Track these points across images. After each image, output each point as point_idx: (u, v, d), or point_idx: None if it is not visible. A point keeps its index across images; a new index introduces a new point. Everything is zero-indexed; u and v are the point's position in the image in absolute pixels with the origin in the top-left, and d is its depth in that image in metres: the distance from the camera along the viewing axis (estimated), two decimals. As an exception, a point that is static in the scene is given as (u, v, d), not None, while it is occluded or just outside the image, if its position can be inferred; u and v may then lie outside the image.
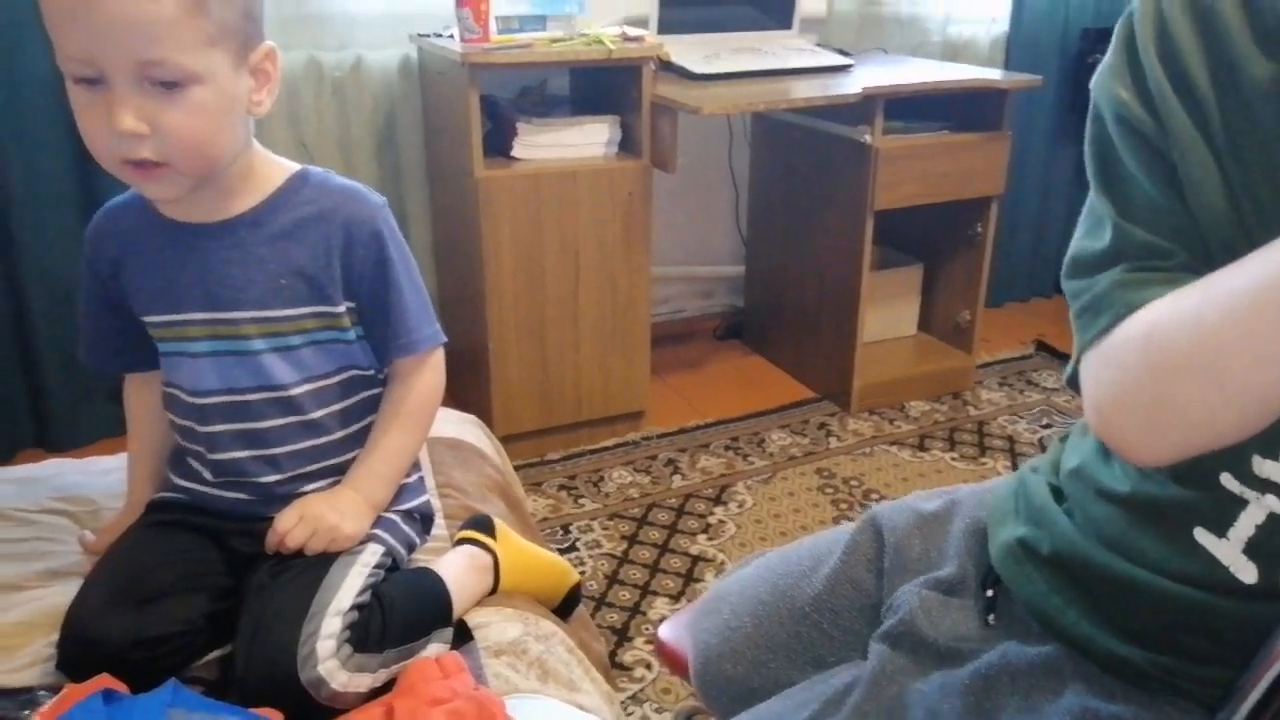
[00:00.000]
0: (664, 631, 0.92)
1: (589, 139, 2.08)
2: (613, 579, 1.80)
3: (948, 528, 0.83)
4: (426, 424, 1.01)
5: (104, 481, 1.14)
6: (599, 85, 2.18)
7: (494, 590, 1.01)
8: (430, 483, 1.21)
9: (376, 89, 2.20)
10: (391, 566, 0.96)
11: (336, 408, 0.96)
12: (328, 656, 0.82)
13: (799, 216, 2.50)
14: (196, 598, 0.90)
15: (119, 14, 0.75)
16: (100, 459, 1.22)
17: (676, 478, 2.13)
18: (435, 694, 0.76)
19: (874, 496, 2.07)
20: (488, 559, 1.01)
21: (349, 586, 0.87)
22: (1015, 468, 2.18)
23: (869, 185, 2.20)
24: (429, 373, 0.99)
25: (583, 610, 1.14)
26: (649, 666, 1.59)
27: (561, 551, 1.86)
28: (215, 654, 0.92)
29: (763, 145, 2.61)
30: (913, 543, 0.82)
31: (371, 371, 0.98)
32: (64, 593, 0.95)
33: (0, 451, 2.05)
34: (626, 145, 2.12)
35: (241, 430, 0.93)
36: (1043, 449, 2.26)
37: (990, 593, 0.76)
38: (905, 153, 2.21)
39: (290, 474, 0.95)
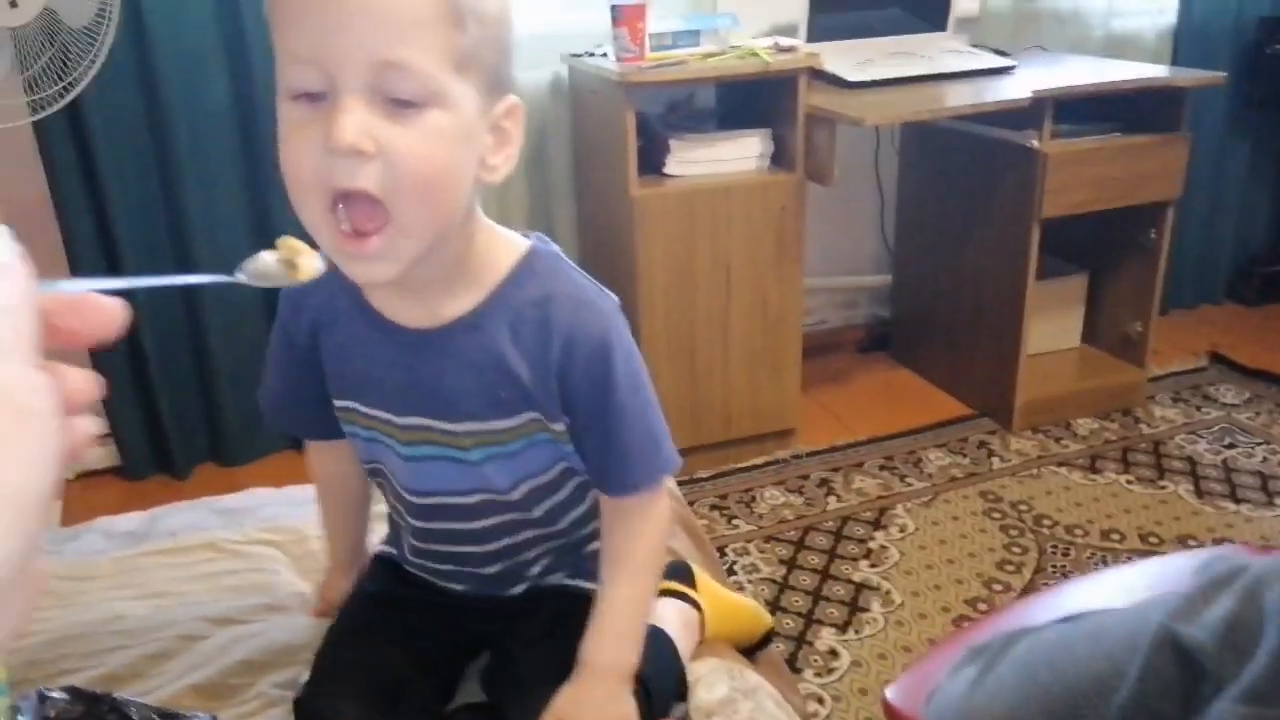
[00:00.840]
0: (893, 697, 0.86)
1: (742, 153, 2.04)
2: (774, 605, 1.76)
3: (1258, 621, 0.69)
4: (658, 569, 0.88)
5: (305, 512, 1.16)
6: (748, 97, 2.13)
7: (700, 641, 0.98)
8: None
9: (528, 109, 2.20)
10: None
11: (554, 500, 0.86)
12: None
13: (954, 224, 2.39)
14: (434, 683, 0.88)
15: (363, 2, 0.62)
16: (298, 489, 1.25)
17: (831, 499, 2.07)
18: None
19: (1046, 523, 1.96)
20: (695, 615, 0.98)
21: None
22: (1198, 493, 2.04)
23: (1036, 192, 2.08)
24: (649, 512, 0.83)
25: (776, 654, 1.10)
26: (821, 701, 1.54)
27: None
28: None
29: (913, 151, 2.51)
30: (1225, 656, 0.66)
31: (572, 480, 0.87)
32: (282, 628, 0.98)
33: (178, 467, 2.16)
34: (778, 158, 2.07)
35: (455, 530, 0.86)
36: (1227, 471, 2.10)
37: None
38: (1076, 157, 2.09)
39: (508, 563, 0.88)
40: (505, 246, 0.79)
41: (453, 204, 0.70)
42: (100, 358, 2.08)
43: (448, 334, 0.78)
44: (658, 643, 0.88)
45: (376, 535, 1.01)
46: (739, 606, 1.05)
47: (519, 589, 0.90)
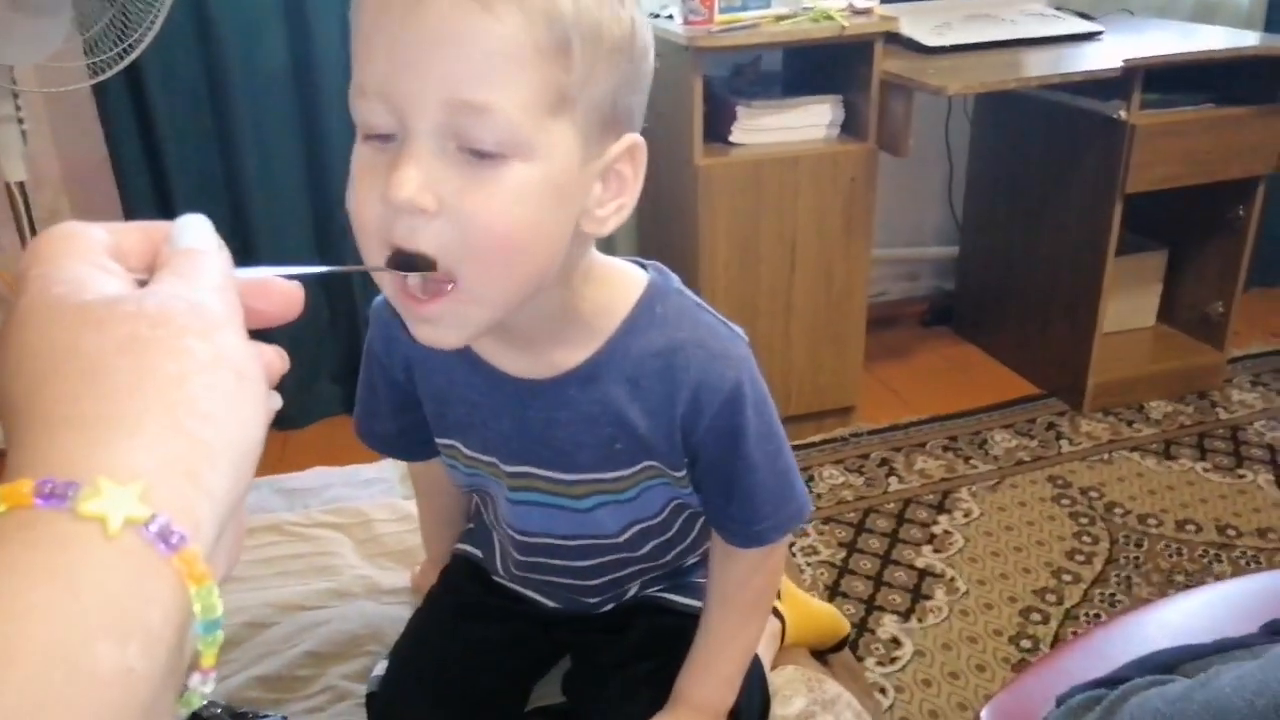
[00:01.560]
0: (990, 718, 0.82)
1: (811, 120, 1.97)
2: (834, 590, 1.72)
3: None
4: (768, 611, 0.84)
5: (369, 492, 1.14)
6: (817, 61, 2.05)
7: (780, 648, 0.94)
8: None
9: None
10: None
11: (660, 540, 0.81)
12: None
13: (1029, 196, 2.30)
14: (514, 693, 0.86)
15: (440, 29, 0.51)
16: (361, 468, 1.23)
17: (893, 480, 2.02)
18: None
19: (1118, 511, 1.89)
20: (777, 625, 0.95)
21: None
22: (1279, 482, 1.95)
23: (1121, 165, 1.98)
24: (766, 565, 0.78)
25: (849, 657, 1.06)
26: (883, 691, 1.50)
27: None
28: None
29: (988, 119, 2.41)
30: None
31: (679, 519, 0.81)
32: (347, 616, 0.96)
33: (236, 430, 2.16)
34: (849, 126, 1.99)
35: (556, 566, 0.81)
36: (1312, 462, 2.01)
37: None
38: (1165, 130, 1.98)
39: (608, 593, 0.85)
40: (621, 288, 0.70)
41: (536, 270, 0.59)
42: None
43: (560, 386, 0.70)
44: (752, 673, 0.84)
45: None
46: (819, 614, 1.02)
47: (611, 606, 0.87)
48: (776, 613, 0.95)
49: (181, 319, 0.32)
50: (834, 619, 1.03)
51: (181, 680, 0.31)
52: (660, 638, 0.83)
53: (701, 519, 0.81)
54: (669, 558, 0.84)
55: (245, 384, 0.33)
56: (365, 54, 0.54)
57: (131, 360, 0.30)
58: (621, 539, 0.78)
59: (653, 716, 0.78)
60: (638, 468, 0.73)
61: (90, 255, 0.34)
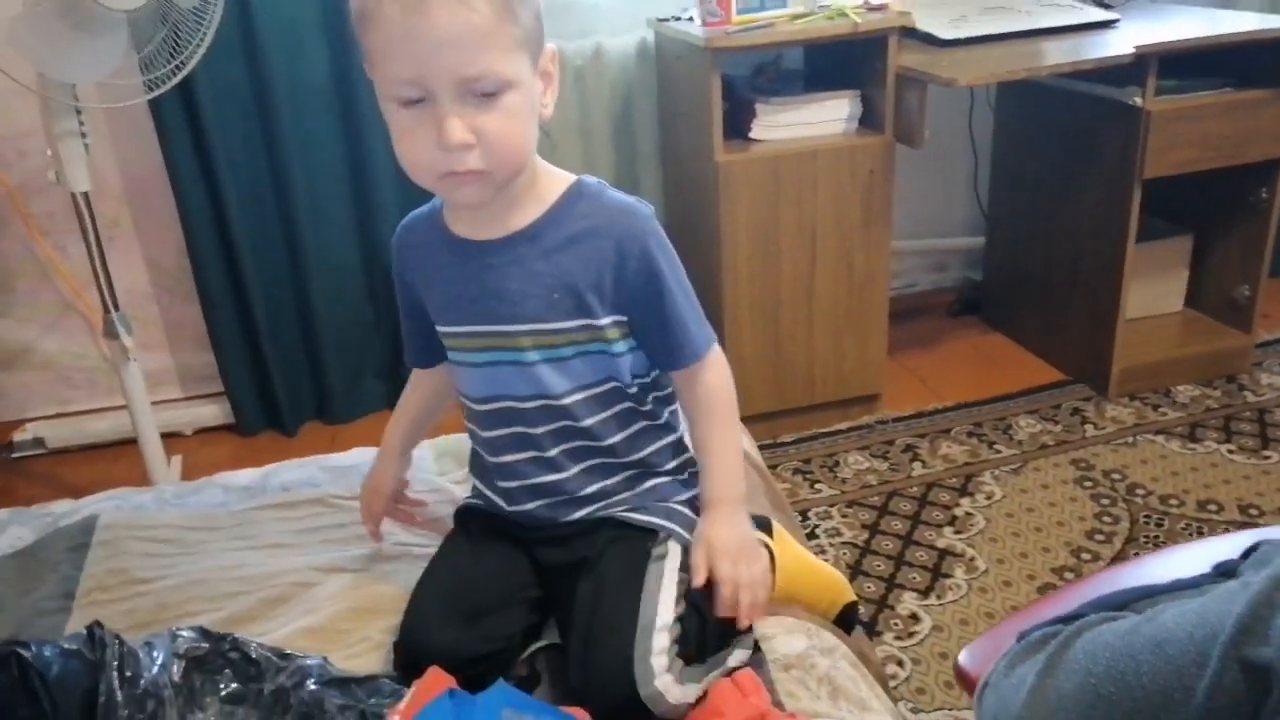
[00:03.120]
0: (966, 661, 0.88)
1: (829, 115, 2.03)
2: (856, 569, 1.77)
3: None
4: (734, 415, 1.01)
5: (406, 469, 1.22)
6: (837, 57, 2.10)
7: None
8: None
9: (615, 75, 2.23)
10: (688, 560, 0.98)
11: (601, 416, 0.97)
12: (662, 671, 0.86)
13: (1051, 185, 2.33)
14: (515, 611, 0.97)
15: (444, 32, 0.79)
16: (397, 449, 1.31)
17: (917, 465, 2.07)
18: (745, 714, 0.77)
19: (1139, 492, 1.92)
20: (765, 556, 1.01)
21: (666, 599, 0.91)
22: (1305, 463, 1.96)
23: (1138, 151, 2.01)
24: (714, 370, 0.99)
25: (863, 638, 1.11)
26: (900, 664, 1.56)
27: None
28: (528, 652, 0.98)
29: (1009, 110, 2.44)
30: None
31: (630, 387, 0.98)
32: (387, 578, 1.05)
33: (287, 424, 2.28)
34: (867, 120, 2.04)
35: (518, 434, 0.97)
36: (1340, 443, 2.02)
37: None
38: (1181, 115, 2.00)
39: (566, 474, 0.98)
40: (559, 176, 0.96)
41: (529, 151, 0.90)
42: (215, 323, 2.21)
43: (512, 243, 0.93)
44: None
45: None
46: (817, 567, 1.08)
47: (581, 513, 0.99)
48: (768, 548, 1.02)
49: None
50: (836, 581, 1.09)
51: None
52: (617, 542, 0.95)
53: (640, 419, 0.99)
54: (611, 441, 0.98)
55: None
56: (396, 57, 0.81)
57: None
58: (565, 401, 0.95)
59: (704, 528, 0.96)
60: (573, 324, 0.93)
61: None
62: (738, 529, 0.96)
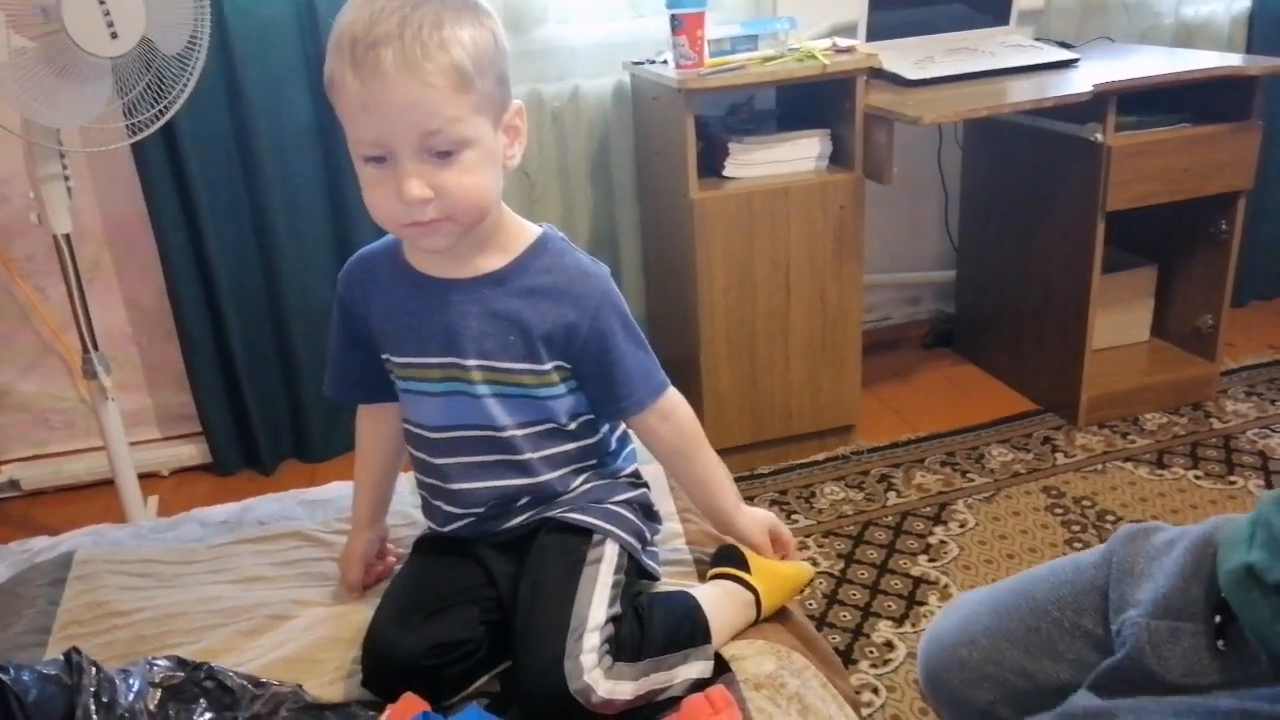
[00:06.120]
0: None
1: (800, 154, 2.08)
2: (831, 599, 1.79)
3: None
4: (703, 446, 1.10)
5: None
6: (808, 98, 2.16)
7: (756, 621, 1.04)
8: (669, 507, 1.25)
9: (592, 116, 2.28)
10: (631, 564, 1.03)
11: (544, 453, 1.04)
12: (591, 668, 0.90)
13: (1018, 219, 2.39)
14: (472, 609, 1.01)
15: (402, 99, 0.85)
16: (373, 483, 1.33)
17: (891, 494, 2.09)
18: (713, 732, 0.79)
19: (1109, 519, 1.95)
20: (748, 595, 1.04)
21: (599, 600, 0.95)
22: (1270, 486, 2.00)
23: (1100, 185, 2.07)
24: (673, 416, 1.07)
25: (827, 646, 1.14)
26: (875, 691, 1.57)
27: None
28: (496, 670, 1.01)
29: (977, 147, 2.51)
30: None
31: (568, 426, 1.04)
32: (358, 610, 1.06)
33: (265, 464, 2.29)
34: (838, 158, 2.10)
35: (468, 464, 1.03)
36: (1304, 467, 2.06)
37: (1219, 619, 0.79)
38: (1141, 150, 2.06)
39: (511, 497, 1.04)
40: (526, 228, 1.03)
41: (489, 201, 0.95)
42: (193, 363, 2.22)
43: (477, 284, 0.99)
44: (678, 595, 1.03)
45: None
46: (787, 573, 1.12)
47: (520, 519, 1.05)
48: (750, 586, 1.05)
49: None
50: (799, 571, 1.15)
51: None
52: (556, 551, 1.01)
53: (580, 454, 1.06)
54: (545, 476, 1.04)
55: None
56: (358, 122, 0.88)
57: None
58: (508, 434, 1.01)
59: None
60: (521, 366, 1.00)
61: None
62: (755, 517, 1.13)
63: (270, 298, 2.19)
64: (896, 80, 2.13)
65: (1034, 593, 0.95)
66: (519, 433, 1.01)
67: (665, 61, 2.04)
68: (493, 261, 0.99)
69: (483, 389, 1.00)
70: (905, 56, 2.20)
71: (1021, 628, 0.93)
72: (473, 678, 0.98)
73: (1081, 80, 2.04)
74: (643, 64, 2.11)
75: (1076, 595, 0.91)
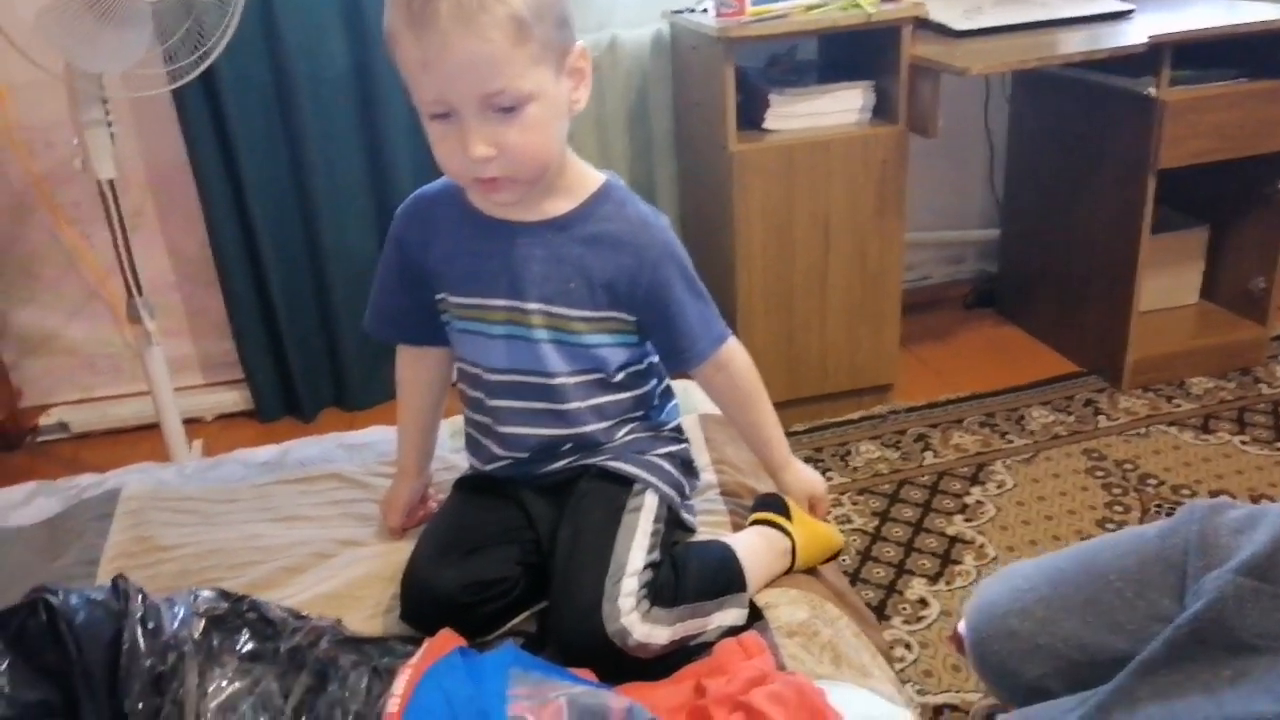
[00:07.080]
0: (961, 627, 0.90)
1: (842, 106, 2.04)
2: (866, 555, 1.79)
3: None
4: (759, 398, 1.11)
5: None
6: (851, 48, 2.12)
7: (789, 570, 1.04)
8: (705, 459, 1.25)
9: (630, 66, 2.25)
10: (670, 515, 1.04)
11: (591, 402, 1.04)
12: (629, 611, 0.91)
13: (1066, 176, 2.33)
14: (510, 549, 1.02)
15: (461, 58, 0.85)
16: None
17: (928, 454, 2.07)
18: (747, 674, 0.79)
19: (1151, 482, 1.92)
20: (786, 542, 1.04)
21: (638, 546, 0.97)
22: (1320, 454, 1.95)
23: (1152, 142, 2.01)
24: (731, 366, 1.08)
25: (859, 600, 1.14)
26: (908, 647, 1.57)
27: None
28: (533, 610, 1.02)
29: (1025, 102, 2.45)
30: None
31: (615, 377, 1.04)
32: (398, 549, 1.07)
33: (306, 411, 2.32)
34: (881, 110, 2.06)
35: (519, 409, 1.04)
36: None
37: None
38: (1195, 105, 2.00)
39: (555, 448, 1.05)
40: (591, 174, 1.03)
41: (554, 154, 0.95)
42: (235, 311, 2.25)
43: (542, 228, 0.99)
44: (714, 545, 1.03)
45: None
46: (822, 533, 1.14)
47: (562, 463, 1.06)
48: (787, 533, 1.05)
49: None
50: (832, 535, 1.16)
51: None
52: (598, 498, 1.01)
53: (628, 405, 1.06)
54: (596, 427, 1.04)
55: None
56: (416, 79, 0.88)
57: None
58: (558, 382, 1.01)
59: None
60: (581, 313, 1.00)
61: None
62: (800, 477, 1.15)
63: (309, 244, 2.21)
64: (943, 30, 2.07)
65: (1093, 563, 0.93)
66: (570, 380, 1.02)
67: (705, 10, 2.00)
68: (558, 205, 0.99)
69: (540, 334, 1.00)
70: (953, 6, 2.14)
71: (1079, 598, 0.92)
72: (509, 616, 1.00)
73: (1136, 32, 1.98)
74: (682, 12, 2.07)
75: (1142, 566, 0.89)
